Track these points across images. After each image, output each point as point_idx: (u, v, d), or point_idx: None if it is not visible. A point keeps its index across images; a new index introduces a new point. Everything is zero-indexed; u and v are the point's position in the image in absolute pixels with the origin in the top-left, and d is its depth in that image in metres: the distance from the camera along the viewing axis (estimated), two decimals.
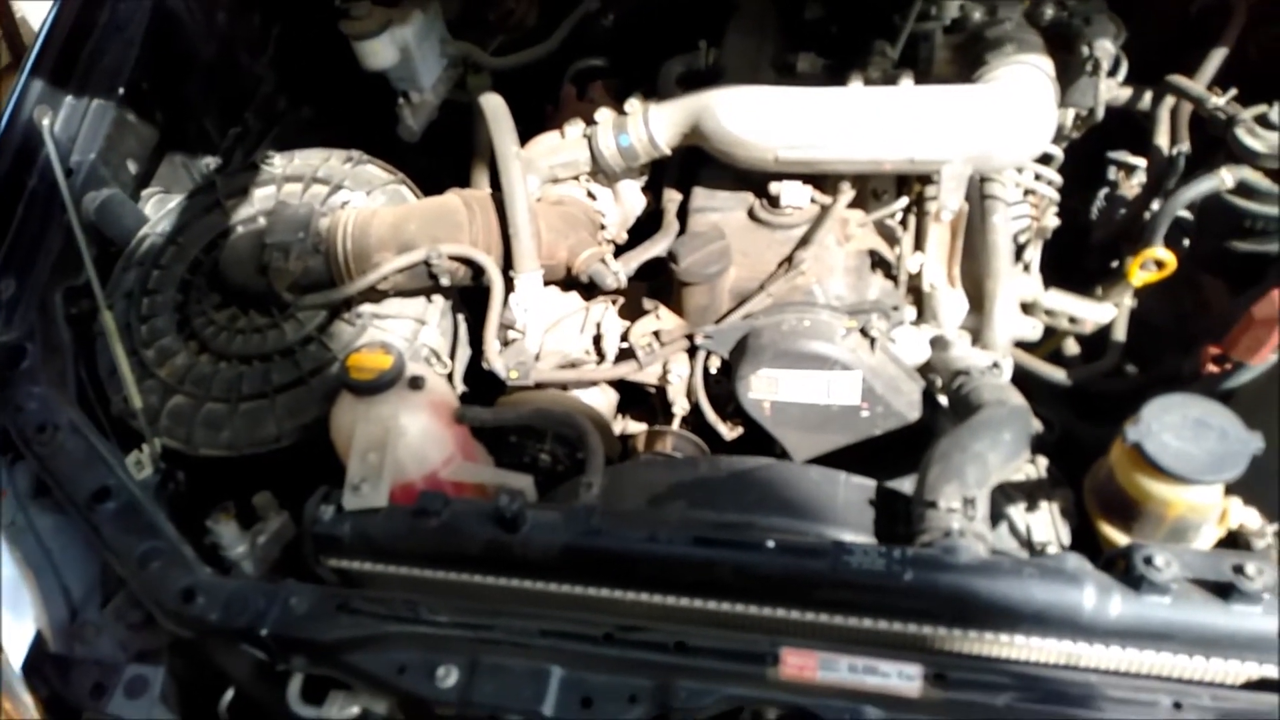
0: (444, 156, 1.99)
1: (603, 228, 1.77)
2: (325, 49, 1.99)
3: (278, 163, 1.82)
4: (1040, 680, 1.08)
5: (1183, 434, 1.15)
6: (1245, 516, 1.23)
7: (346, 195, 1.74)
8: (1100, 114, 1.69)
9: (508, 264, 1.61)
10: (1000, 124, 1.48)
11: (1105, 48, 1.60)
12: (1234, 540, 1.24)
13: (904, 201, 1.59)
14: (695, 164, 1.71)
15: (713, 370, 1.57)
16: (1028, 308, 1.61)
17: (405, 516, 1.24)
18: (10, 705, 1.32)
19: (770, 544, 1.13)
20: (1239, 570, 1.05)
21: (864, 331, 1.43)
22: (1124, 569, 1.08)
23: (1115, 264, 1.82)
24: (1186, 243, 1.65)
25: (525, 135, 1.71)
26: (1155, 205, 1.68)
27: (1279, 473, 1.17)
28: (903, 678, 1.08)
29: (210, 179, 1.89)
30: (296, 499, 1.34)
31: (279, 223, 1.59)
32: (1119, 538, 1.24)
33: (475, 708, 1.14)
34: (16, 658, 1.33)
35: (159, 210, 1.86)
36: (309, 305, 1.58)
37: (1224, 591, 1.05)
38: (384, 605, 1.23)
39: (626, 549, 1.16)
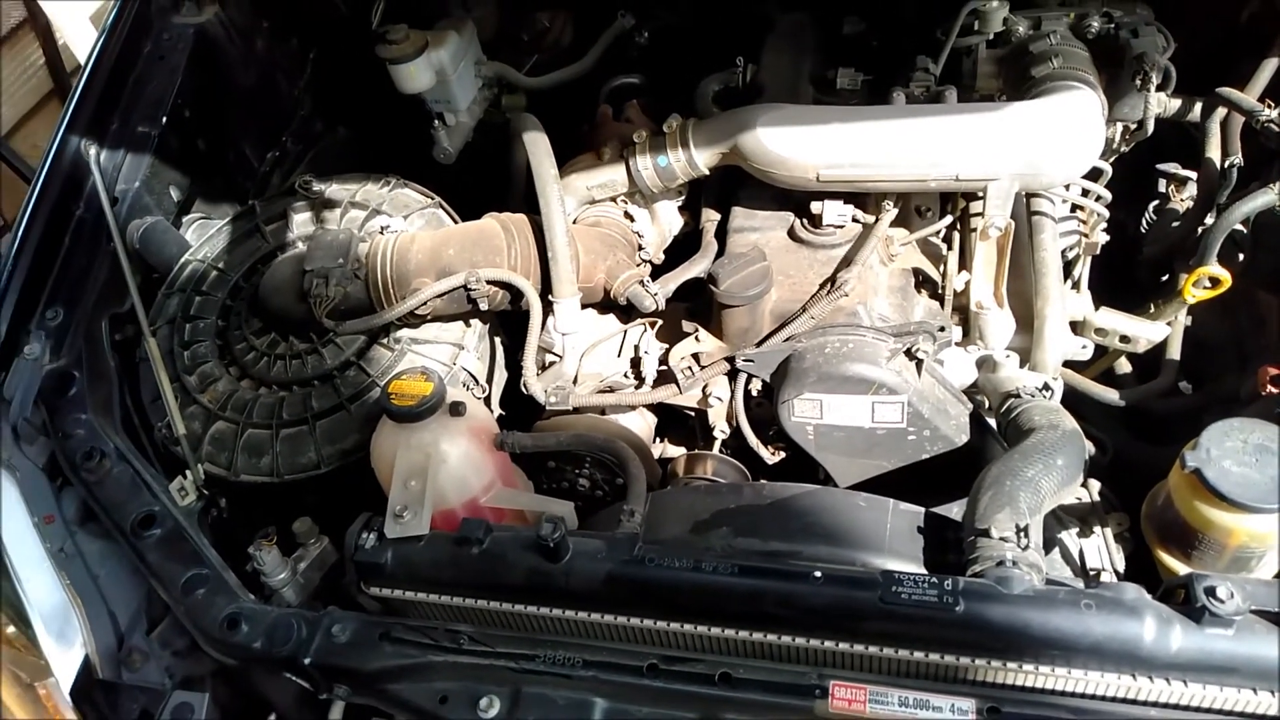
0: (480, 175, 1.99)
1: (640, 249, 1.77)
2: (360, 71, 2.00)
3: (315, 187, 1.84)
4: (1098, 715, 1.06)
5: (1244, 460, 1.12)
6: None
7: (384, 220, 1.75)
8: (1149, 129, 1.65)
9: (546, 288, 1.60)
10: (1048, 141, 1.45)
11: (1154, 60, 1.56)
12: None
13: (949, 219, 1.56)
14: (734, 182, 1.69)
15: (754, 393, 1.55)
16: (1078, 327, 1.58)
17: (447, 545, 1.23)
18: None
19: (817, 574, 1.11)
20: None
21: (910, 353, 1.40)
22: (1184, 599, 1.05)
23: (1166, 278, 1.78)
24: (1241, 257, 1.61)
25: (561, 154, 1.71)
26: (1208, 219, 1.64)
27: None
28: (956, 712, 1.06)
29: (250, 204, 1.90)
30: (338, 523, 1.34)
31: (318, 249, 1.61)
32: (1178, 566, 1.20)
33: None
34: (65, 683, 1.35)
35: (201, 235, 1.89)
36: (349, 331, 1.59)
37: None
38: (426, 634, 1.22)
39: (670, 579, 1.15)
